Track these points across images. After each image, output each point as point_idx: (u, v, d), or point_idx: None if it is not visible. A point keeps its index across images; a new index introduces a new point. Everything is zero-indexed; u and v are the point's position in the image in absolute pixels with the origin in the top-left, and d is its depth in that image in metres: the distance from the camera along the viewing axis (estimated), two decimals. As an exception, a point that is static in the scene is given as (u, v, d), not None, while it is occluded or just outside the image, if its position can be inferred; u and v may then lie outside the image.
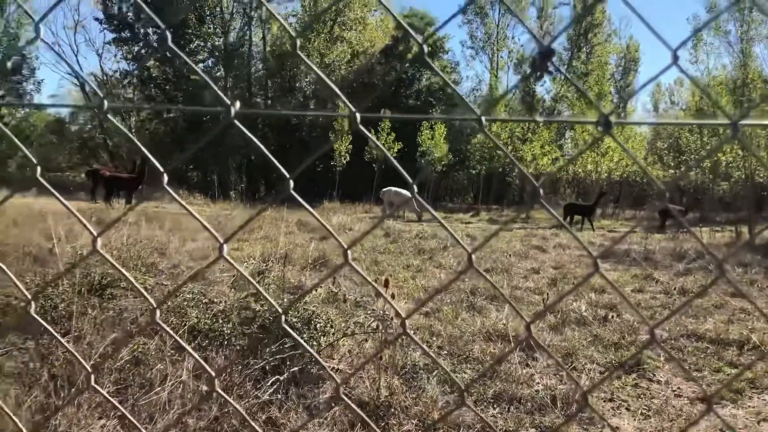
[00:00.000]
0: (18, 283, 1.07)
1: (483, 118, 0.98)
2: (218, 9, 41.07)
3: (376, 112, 35.20)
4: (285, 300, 4.82)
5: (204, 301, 4.98)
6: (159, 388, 3.65)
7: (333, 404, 3.84)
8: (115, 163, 39.94)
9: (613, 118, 0.95)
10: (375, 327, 4.78)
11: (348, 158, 33.95)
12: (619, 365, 5.30)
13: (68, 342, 4.19)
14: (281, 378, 3.89)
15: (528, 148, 33.51)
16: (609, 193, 31.12)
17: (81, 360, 0.95)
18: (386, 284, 4.24)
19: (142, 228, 11.34)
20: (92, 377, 1.01)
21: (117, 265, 1.15)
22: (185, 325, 4.41)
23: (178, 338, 1.16)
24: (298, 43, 0.98)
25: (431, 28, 45.74)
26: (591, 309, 7.40)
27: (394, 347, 4.40)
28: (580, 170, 34.84)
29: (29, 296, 1.11)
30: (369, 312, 5.36)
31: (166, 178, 1.07)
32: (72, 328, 4.45)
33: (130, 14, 39.73)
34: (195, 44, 40.61)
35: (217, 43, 41.51)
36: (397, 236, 14.32)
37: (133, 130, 41.40)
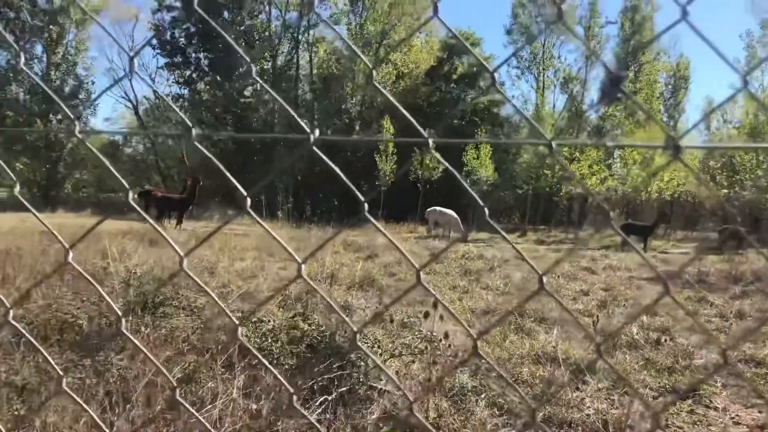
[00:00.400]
0: (110, 300, 1.11)
1: (553, 143, 0.98)
2: (267, 33, 42.00)
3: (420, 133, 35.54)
4: (332, 320, 4.85)
5: (253, 319, 5.03)
6: (210, 406, 3.69)
7: (380, 425, 3.83)
8: (165, 184, 40.94)
9: (681, 143, 0.94)
10: (423, 348, 4.76)
11: (393, 178, 34.05)
12: (684, 389, 5.14)
13: (122, 360, 4.29)
14: (329, 398, 3.89)
15: (576, 167, 33.14)
16: (668, 215, 30.13)
17: (168, 376, 0.98)
18: (435, 306, 4.23)
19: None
20: (177, 391, 1.03)
21: (201, 283, 1.19)
22: (236, 343, 4.47)
23: (260, 357, 1.18)
24: (375, 75, 1.00)
25: (477, 49, 45.80)
26: (643, 332, 7.22)
27: (442, 368, 4.37)
28: (629, 190, 34.18)
29: (120, 313, 1.15)
30: (416, 333, 5.34)
31: (249, 201, 1.10)
32: (126, 345, 4.55)
33: (182, 40, 40.92)
34: (244, 68, 41.58)
35: (265, 66, 42.41)
36: (442, 257, 14.25)
37: (185, 152, 42.47)
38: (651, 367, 5.91)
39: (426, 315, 4.18)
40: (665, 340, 6.85)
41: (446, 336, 4.14)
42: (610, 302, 9.31)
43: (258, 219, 1.14)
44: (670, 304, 9.56)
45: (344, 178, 1.06)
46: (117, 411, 3.72)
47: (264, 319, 4.99)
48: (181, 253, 1.14)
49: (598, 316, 7.78)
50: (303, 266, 1.05)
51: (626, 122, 37.67)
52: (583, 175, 32.63)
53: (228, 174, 1.18)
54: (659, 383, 5.39)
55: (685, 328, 7.76)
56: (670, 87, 47.00)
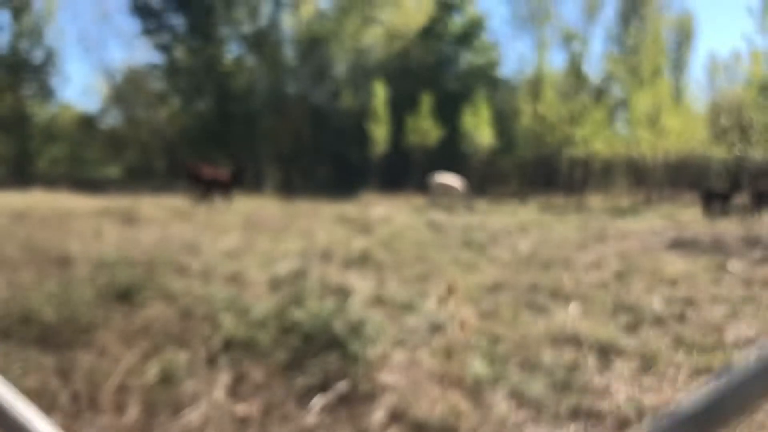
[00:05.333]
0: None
1: None
2: (247, -7, 41.13)
3: (414, 96, 34.78)
4: (330, 304, 4.49)
5: (239, 306, 4.68)
6: (189, 410, 3.34)
7: (390, 425, 3.50)
8: (146, 157, 40.39)
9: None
10: (430, 332, 4.42)
11: (385, 146, 33.58)
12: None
13: (90, 357, 3.93)
14: (328, 396, 3.55)
15: (578, 130, 32.66)
16: (740, 182, 28.60)
17: None
18: (450, 290, 3.86)
19: (173, 225, 11.20)
20: None
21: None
22: (219, 335, 4.12)
23: None
24: None
25: (470, 7, 45.03)
26: (667, 305, 6.92)
27: (454, 357, 4.03)
28: (634, 153, 33.72)
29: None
30: (421, 315, 5.00)
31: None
32: (95, 339, 4.20)
33: (157, 2, 39.95)
34: (223, 32, 40.78)
35: (246, 29, 41.53)
36: (443, 228, 13.92)
37: (163, 121, 41.81)
38: (680, 344, 5.60)
39: (441, 300, 3.82)
40: (692, 314, 6.54)
41: (462, 325, 3.79)
42: (626, 272, 9.01)
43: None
44: (689, 272, 9.28)
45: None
46: (84, 418, 3.37)
47: (251, 305, 4.63)
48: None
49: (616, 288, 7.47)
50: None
51: (630, 80, 37.06)
52: (586, 138, 32.20)
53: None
54: (692, 363, 5.07)
55: (707, 299, 7.47)
56: (673, 43, 46.38)
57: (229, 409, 3.42)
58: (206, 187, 18.85)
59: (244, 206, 18.51)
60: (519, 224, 15.76)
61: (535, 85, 37.17)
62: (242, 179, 19.91)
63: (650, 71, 35.27)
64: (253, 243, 9.81)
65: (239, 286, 6.09)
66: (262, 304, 4.78)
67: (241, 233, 10.67)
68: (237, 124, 38.88)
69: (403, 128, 34.04)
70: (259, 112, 39.46)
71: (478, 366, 4.31)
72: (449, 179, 24.47)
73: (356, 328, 4.10)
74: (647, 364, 4.99)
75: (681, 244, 12.33)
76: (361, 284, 6.56)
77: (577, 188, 37.40)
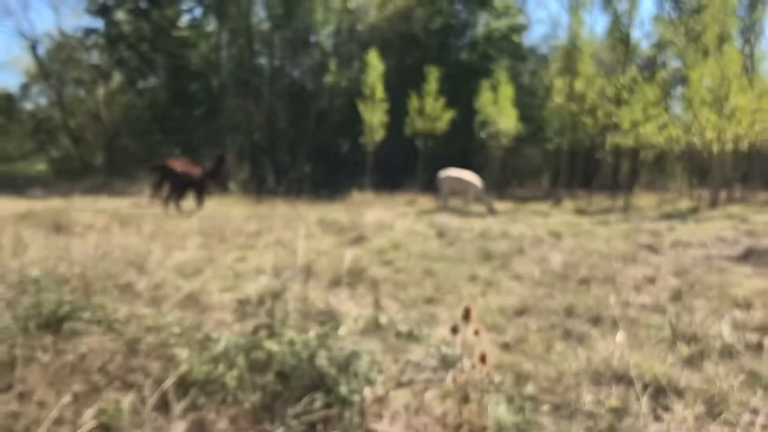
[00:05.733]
0: None
1: None
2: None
3: (418, 68, 34.76)
4: (312, 333, 4.49)
5: (198, 336, 4.67)
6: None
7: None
8: (80, 148, 40.40)
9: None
10: (441, 369, 4.42)
11: (383, 134, 33.47)
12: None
13: (9, 401, 3.93)
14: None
15: (625, 112, 32.53)
16: None
17: None
18: (467, 315, 3.87)
19: (115, 234, 11.19)
20: None
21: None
22: (172, 373, 4.11)
23: None
24: None
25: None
26: (738, 333, 6.93)
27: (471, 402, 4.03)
28: (695, 141, 33.55)
29: None
30: (429, 347, 5.00)
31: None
32: (15, 380, 4.19)
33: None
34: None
35: (207, -13, 41.61)
36: (455, 236, 13.95)
37: (102, 103, 41.77)
38: (756, 382, 5.60)
39: (454, 330, 3.82)
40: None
41: (481, 360, 3.78)
42: (686, 291, 9.03)
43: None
44: (767, 291, 9.29)
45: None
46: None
47: (214, 335, 4.63)
48: None
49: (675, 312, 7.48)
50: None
51: (691, 48, 37.10)
52: (635, 122, 32.12)
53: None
54: (770, 405, 5.08)
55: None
56: (744, 3, 46.33)
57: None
58: (176, 187, 18.81)
59: (204, 209, 18.54)
60: (551, 231, 15.80)
61: (571, 56, 37.10)
62: (221, 176, 20.11)
63: (716, 37, 35.35)
64: (216, 256, 9.82)
65: (198, 312, 6.09)
66: (228, 334, 4.78)
67: (202, 244, 10.69)
68: (195, 106, 38.98)
69: (405, 111, 34.05)
70: (222, 90, 39.54)
71: (501, 411, 4.31)
72: (462, 175, 24.53)
73: (346, 365, 4.10)
74: (715, 408, 4.99)
75: (756, 256, 12.35)
76: (353, 308, 6.58)
77: (624, 185, 37.42)
